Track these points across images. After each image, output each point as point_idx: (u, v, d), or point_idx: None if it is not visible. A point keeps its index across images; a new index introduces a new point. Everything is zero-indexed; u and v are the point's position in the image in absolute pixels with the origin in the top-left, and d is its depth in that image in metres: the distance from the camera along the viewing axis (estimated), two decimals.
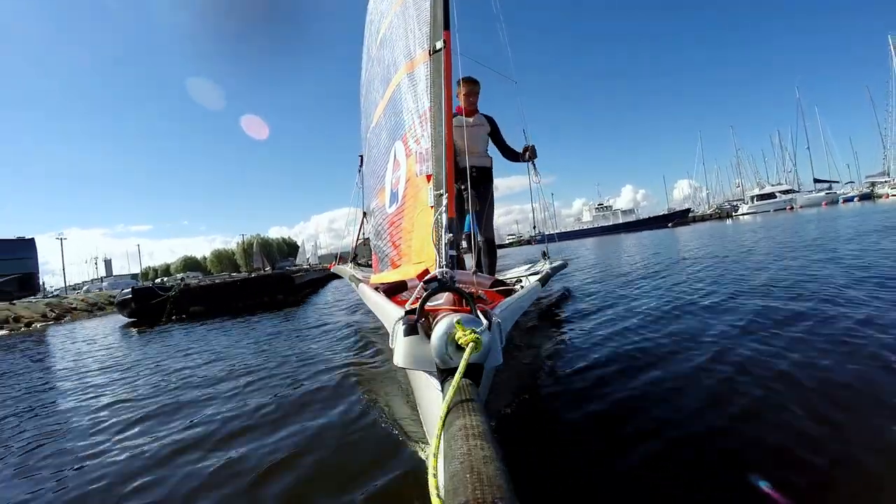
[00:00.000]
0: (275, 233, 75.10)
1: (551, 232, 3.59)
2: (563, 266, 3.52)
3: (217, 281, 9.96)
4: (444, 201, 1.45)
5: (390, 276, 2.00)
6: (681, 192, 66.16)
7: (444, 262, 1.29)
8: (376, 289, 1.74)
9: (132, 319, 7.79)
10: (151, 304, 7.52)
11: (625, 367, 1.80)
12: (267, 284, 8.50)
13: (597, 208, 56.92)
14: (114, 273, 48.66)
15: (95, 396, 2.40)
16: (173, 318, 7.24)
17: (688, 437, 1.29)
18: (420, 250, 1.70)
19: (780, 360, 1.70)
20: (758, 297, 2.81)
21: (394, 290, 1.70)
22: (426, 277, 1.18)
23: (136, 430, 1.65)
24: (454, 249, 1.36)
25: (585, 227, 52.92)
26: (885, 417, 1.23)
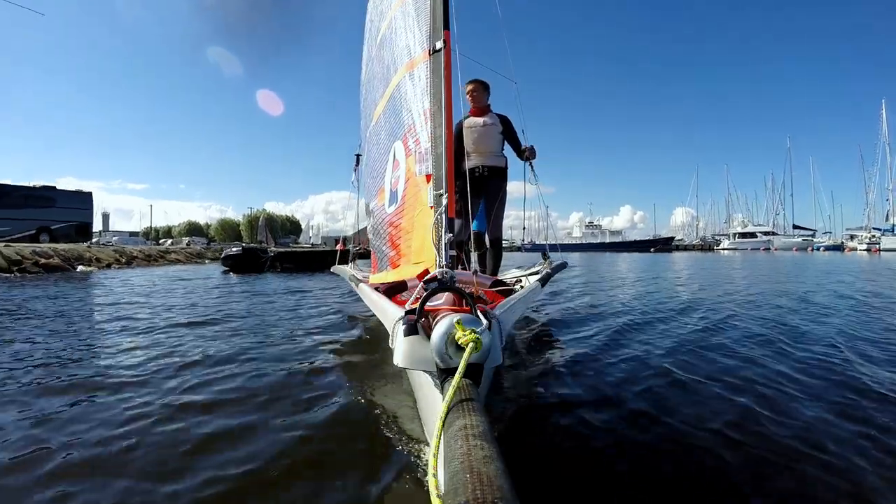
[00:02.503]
0: (271, 207, 75.76)
1: (548, 241, 3.66)
2: (564, 266, 3.52)
3: (299, 250, 13.85)
4: (444, 201, 1.45)
5: (390, 277, 2.00)
6: (676, 220, 67.72)
7: (444, 262, 1.29)
8: (376, 289, 1.74)
9: (227, 269, 10.77)
10: (260, 261, 10.86)
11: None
12: (335, 253, 11.26)
13: (587, 226, 59.67)
14: (110, 229, 48.35)
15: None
16: (270, 270, 10.43)
17: (690, 442, 1.30)
18: (420, 250, 1.70)
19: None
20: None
21: (394, 290, 1.70)
22: (426, 277, 1.18)
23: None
24: (454, 249, 1.36)
25: (574, 243, 55.47)
26: None
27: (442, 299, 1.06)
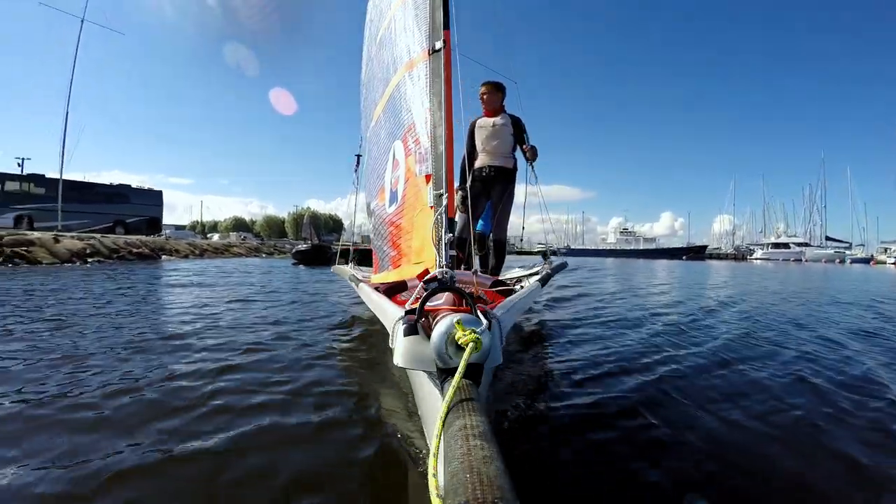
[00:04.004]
0: (311, 205, 77.72)
1: (548, 244, 3.73)
2: (564, 266, 3.52)
3: (360, 247, 15.80)
4: (444, 201, 1.45)
5: (390, 277, 1.99)
6: (717, 228, 66.82)
7: (444, 262, 1.29)
8: (376, 289, 1.74)
9: (296, 262, 12.68)
10: (327, 255, 12.04)
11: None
12: None
13: (621, 232, 61.12)
14: None
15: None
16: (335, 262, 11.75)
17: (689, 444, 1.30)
18: (420, 250, 1.70)
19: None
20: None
21: (394, 290, 1.70)
22: (426, 277, 1.17)
23: None
24: (454, 249, 1.36)
25: (608, 248, 56.99)
26: None
27: (442, 299, 1.06)
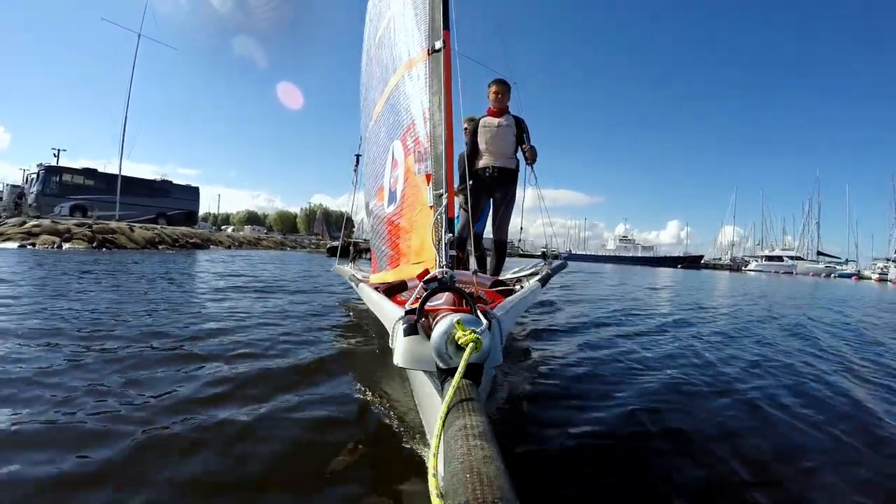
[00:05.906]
0: (318, 200, 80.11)
1: (548, 246, 3.74)
2: (563, 266, 3.52)
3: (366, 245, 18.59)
4: (444, 201, 1.45)
5: (390, 277, 1.99)
6: (722, 238, 67.73)
7: (443, 262, 1.29)
8: (376, 288, 1.74)
9: (330, 254, 14.63)
10: (358, 249, 14.98)
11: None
12: None
13: (620, 240, 62.81)
14: None
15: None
16: (361, 257, 13.61)
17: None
18: (420, 250, 1.70)
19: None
20: None
21: (394, 290, 1.70)
22: (426, 277, 1.17)
23: None
24: (454, 249, 1.36)
25: (608, 255, 58.55)
26: None
27: (442, 299, 1.06)
